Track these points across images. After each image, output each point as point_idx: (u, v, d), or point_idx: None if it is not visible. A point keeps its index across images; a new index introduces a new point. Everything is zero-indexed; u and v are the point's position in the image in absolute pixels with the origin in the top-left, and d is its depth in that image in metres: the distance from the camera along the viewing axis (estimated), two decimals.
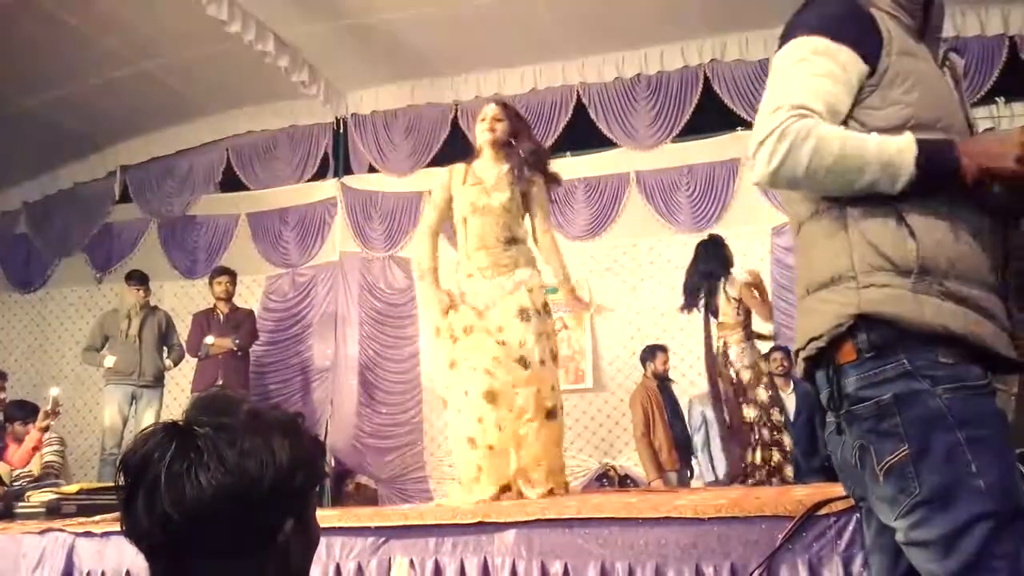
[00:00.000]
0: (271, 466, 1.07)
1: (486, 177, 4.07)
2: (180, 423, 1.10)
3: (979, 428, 1.42)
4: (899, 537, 1.47)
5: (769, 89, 1.59)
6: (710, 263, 5.67)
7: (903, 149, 1.46)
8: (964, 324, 1.45)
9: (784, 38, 1.64)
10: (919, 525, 1.42)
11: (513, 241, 4.00)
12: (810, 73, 1.54)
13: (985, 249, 1.52)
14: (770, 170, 1.49)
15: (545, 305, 4.00)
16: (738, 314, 5.50)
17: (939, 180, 1.46)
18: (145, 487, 1.06)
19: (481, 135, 4.15)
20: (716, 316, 5.65)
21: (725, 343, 5.55)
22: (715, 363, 5.60)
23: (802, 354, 1.61)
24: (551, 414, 3.89)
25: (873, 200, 1.50)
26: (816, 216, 1.58)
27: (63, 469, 5.98)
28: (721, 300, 5.55)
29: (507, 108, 4.25)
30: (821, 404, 1.63)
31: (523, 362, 3.82)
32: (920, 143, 1.46)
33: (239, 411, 1.12)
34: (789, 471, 5.40)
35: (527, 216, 4.12)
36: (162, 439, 1.08)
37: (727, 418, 5.59)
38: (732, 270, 5.63)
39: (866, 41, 1.56)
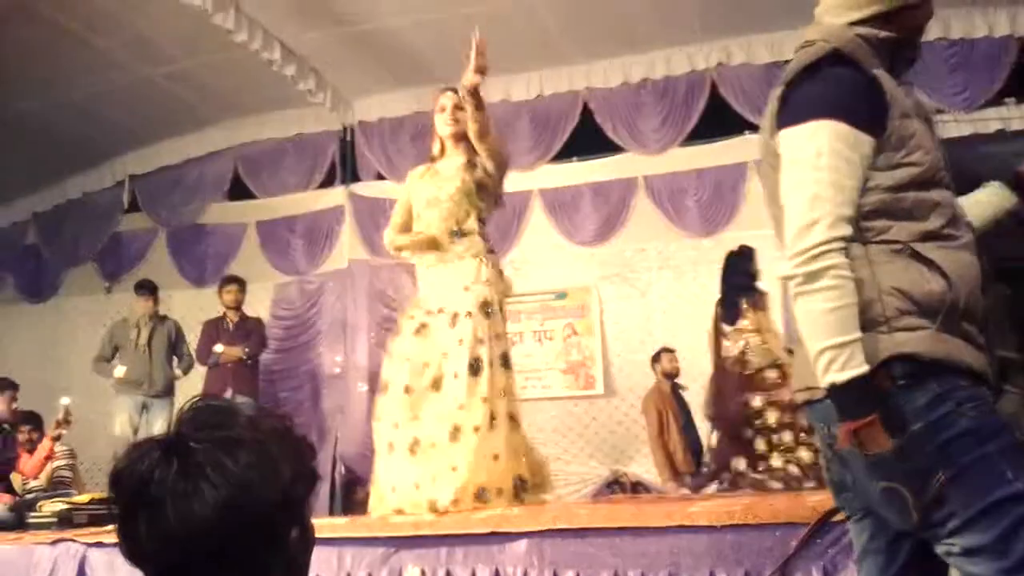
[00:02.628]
0: (275, 477, 1.05)
1: (443, 169, 3.93)
2: (174, 438, 1.06)
3: (1004, 438, 1.54)
4: (942, 549, 1.54)
5: (796, 180, 1.66)
6: (737, 274, 5.73)
7: (853, 367, 1.54)
8: (975, 358, 1.60)
9: (796, 111, 1.68)
10: (968, 534, 1.50)
11: (461, 234, 3.82)
12: (833, 170, 1.61)
13: (980, 288, 1.65)
14: (794, 292, 1.63)
15: (500, 304, 3.80)
16: (756, 330, 5.57)
17: (841, 404, 1.58)
18: (148, 508, 1.02)
19: (443, 127, 3.95)
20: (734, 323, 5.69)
21: (746, 345, 5.57)
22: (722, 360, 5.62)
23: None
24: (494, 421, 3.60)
25: (896, 244, 1.62)
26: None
27: (74, 480, 6.00)
28: (746, 311, 5.62)
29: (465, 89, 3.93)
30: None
31: (476, 365, 3.61)
32: (860, 387, 1.55)
33: (235, 423, 1.08)
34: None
35: (479, 208, 3.89)
36: (159, 458, 1.04)
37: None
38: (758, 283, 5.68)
39: (875, 114, 1.64)
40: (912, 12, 1.75)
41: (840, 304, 1.57)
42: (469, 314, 3.68)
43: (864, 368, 1.54)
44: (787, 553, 2.47)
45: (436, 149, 4.05)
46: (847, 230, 1.61)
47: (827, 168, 1.61)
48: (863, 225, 1.63)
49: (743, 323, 5.60)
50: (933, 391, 1.54)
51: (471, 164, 3.88)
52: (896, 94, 1.67)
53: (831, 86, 1.66)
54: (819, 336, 1.59)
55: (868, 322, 1.59)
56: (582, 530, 2.77)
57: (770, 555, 2.51)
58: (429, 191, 3.89)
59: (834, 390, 1.57)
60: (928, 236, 1.62)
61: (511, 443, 3.66)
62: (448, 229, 3.82)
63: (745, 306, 5.60)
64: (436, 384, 3.68)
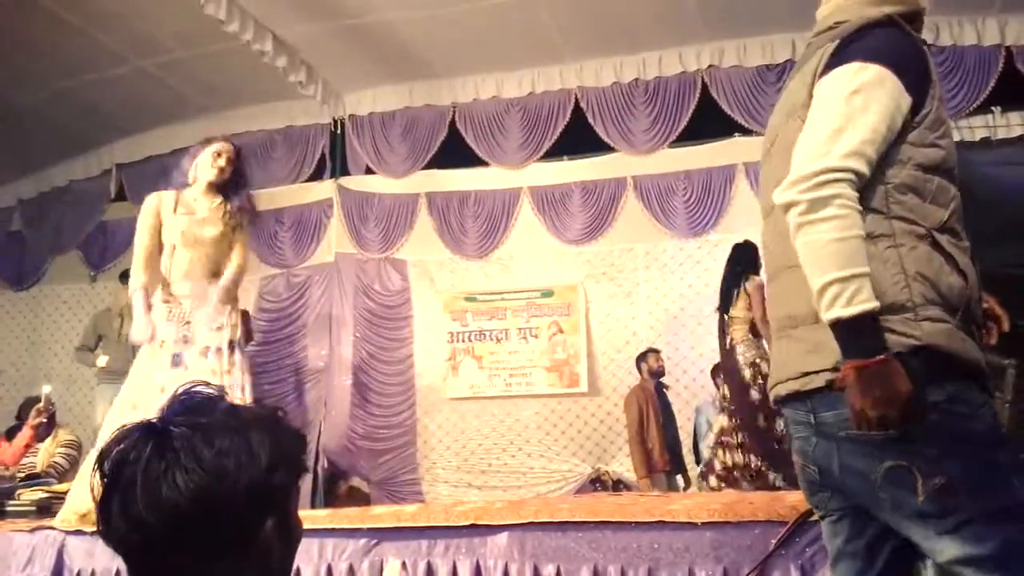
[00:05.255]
0: (249, 465, 1.05)
1: (198, 209, 4.17)
2: (156, 423, 1.08)
3: (1010, 449, 1.52)
4: (944, 557, 1.48)
5: (822, 112, 1.59)
6: (741, 263, 5.53)
7: (862, 302, 1.47)
8: (983, 360, 1.56)
9: (839, 59, 1.62)
10: (973, 542, 1.44)
11: (218, 275, 4.16)
12: (864, 109, 1.54)
13: (978, 293, 1.63)
14: (796, 221, 1.54)
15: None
16: (748, 309, 5.36)
17: (845, 341, 1.50)
18: (120, 489, 1.03)
19: (210, 171, 4.17)
20: (728, 311, 5.53)
21: (732, 339, 5.44)
22: (728, 359, 5.50)
23: (826, 374, 1.57)
24: None
25: (919, 228, 1.56)
26: (870, 240, 1.55)
27: (70, 471, 5.92)
28: (740, 296, 5.44)
29: (238, 150, 4.37)
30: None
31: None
32: (870, 323, 1.47)
33: (216, 409, 1.10)
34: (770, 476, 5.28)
35: (233, 252, 4.25)
36: (138, 440, 1.05)
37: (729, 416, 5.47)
38: (759, 273, 5.51)
39: (920, 81, 1.60)
40: (922, 17, 1.75)
41: (847, 235, 1.49)
42: (219, 349, 4.06)
43: (873, 304, 1.47)
44: (766, 551, 2.49)
45: (192, 180, 4.25)
46: (863, 167, 1.53)
47: (860, 108, 1.54)
48: (893, 196, 1.57)
49: (735, 312, 5.43)
50: (948, 391, 1.49)
51: (230, 212, 4.21)
52: (936, 77, 1.64)
53: (885, 40, 1.61)
54: (824, 269, 1.49)
55: (894, 306, 1.51)
56: (563, 524, 2.77)
57: (749, 553, 2.53)
58: (187, 228, 4.14)
59: (839, 326, 1.48)
60: (945, 228, 1.57)
61: None
62: (204, 270, 4.14)
63: (737, 294, 5.42)
64: None
